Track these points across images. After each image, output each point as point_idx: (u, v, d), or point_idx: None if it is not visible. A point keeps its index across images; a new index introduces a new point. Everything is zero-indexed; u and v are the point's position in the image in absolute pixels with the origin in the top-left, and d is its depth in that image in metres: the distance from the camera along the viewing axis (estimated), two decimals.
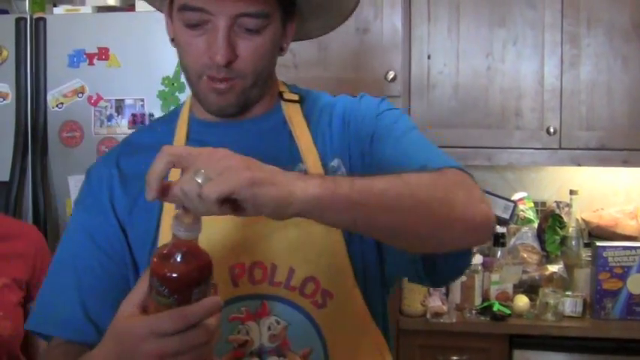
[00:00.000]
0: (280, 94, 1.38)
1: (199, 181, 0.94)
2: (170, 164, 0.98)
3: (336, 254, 1.29)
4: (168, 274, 0.97)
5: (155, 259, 0.98)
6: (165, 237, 1.24)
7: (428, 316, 2.96)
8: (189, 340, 0.98)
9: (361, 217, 1.05)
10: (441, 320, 2.94)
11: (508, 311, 2.94)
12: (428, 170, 1.17)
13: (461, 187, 1.15)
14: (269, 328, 1.27)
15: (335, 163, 1.31)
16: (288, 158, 1.29)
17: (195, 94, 1.32)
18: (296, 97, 1.38)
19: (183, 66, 1.31)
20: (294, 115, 1.36)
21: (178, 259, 0.97)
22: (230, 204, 0.97)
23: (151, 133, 1.44)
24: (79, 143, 2.85)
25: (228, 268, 1.27)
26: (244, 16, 1.23)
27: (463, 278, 3.01)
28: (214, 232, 1.23)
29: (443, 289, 3.04)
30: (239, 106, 1.30)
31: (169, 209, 1.26)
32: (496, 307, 2.95)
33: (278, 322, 1.27)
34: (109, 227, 1.32)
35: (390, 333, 1.38)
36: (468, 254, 1.27)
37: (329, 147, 1.33)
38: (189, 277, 0.97)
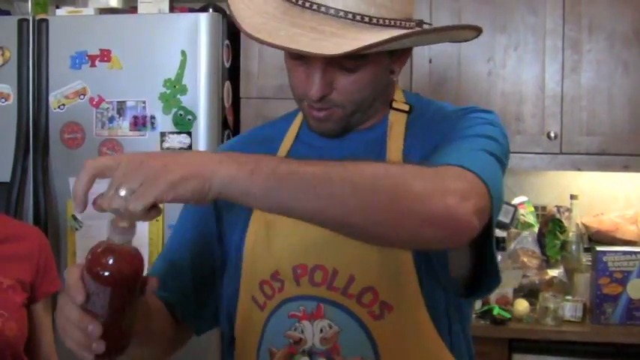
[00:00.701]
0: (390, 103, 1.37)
1: (122, 195, 0.99)
2: (93, 177, 1.02)
3: (401, 265, 1.28)
4: (100, 272, 1.03)
5: (89, 257, 1.05)
6: (256, 219, 1.34)
7: None
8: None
9: (282, 200, 1.02)
10: None
11: (508, 315, 2.95)
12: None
13: (427, 179, 1.06)
14: (321, 331, 1.30)
15: None
16: None
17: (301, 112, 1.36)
18: (406, 107, 1.36)
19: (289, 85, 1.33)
20: (396, 124, 1.35)
21: (110, 261, 1.04)
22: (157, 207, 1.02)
23: (268, 128, 1.49)
24: (80, 145, 2.86)
25: (292, 267, 1.31)
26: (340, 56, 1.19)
27: None
28: (285, 233, 1.30)
29: None
30: (339, 131, 1.32)
31: None
32: (496, 311, 2.94)
33: (330, 326, 1.30)
34: (207, 210, 1.41)
35: (463, 345, 1.36)
36: (495, 275, 1.25)
37: (416, 156, 1.29)
38: (117, 278, 1.04)
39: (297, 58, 1.26)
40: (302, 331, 1.31)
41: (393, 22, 1.22)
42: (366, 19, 1.20)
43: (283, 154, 1.38)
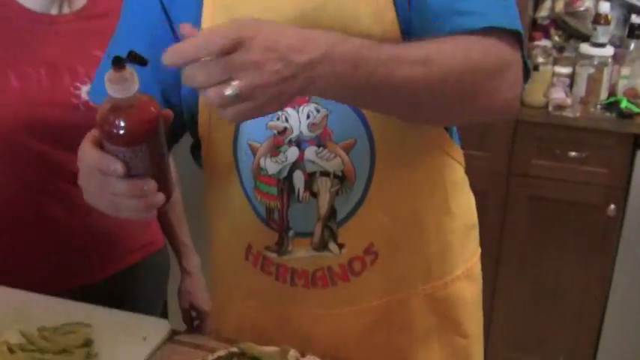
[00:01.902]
0: None
1: (229, 93, 0.87)
2: (225, 48, 0.87)
3: (387, 38, 1.16)
4: (114, 131, 0.98)
5: (98, 117, 0.99)
6: (210, 3, 1.19)
7: (550, 108, 2.82)
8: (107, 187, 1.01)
9: (371, 104, 1.05)
10: (563, 114, 2.80)
11: (636, 109, 2.77)
12: (471, 35, 1.05)
13: (495, 74, 1.07)
14: (308, 116, 1.20)
15: None
16: None
17: None
18: None
19: None
20: None
21: (121, 116, 0.97)
22: None
23: None
24: None
25: None
26: None
27: (590, 70, 2.84)
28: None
29: (567, 81, 2.87)
30: None
31: None
32: (624, 103, 2.78)
33: (318, 110, 1.19)
34: (154, 14, 1.25)
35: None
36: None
37: None
38: (147, 130, 0.99)
39: None
40: (286, 120, 1.21)
41: None
42: None
43: None
